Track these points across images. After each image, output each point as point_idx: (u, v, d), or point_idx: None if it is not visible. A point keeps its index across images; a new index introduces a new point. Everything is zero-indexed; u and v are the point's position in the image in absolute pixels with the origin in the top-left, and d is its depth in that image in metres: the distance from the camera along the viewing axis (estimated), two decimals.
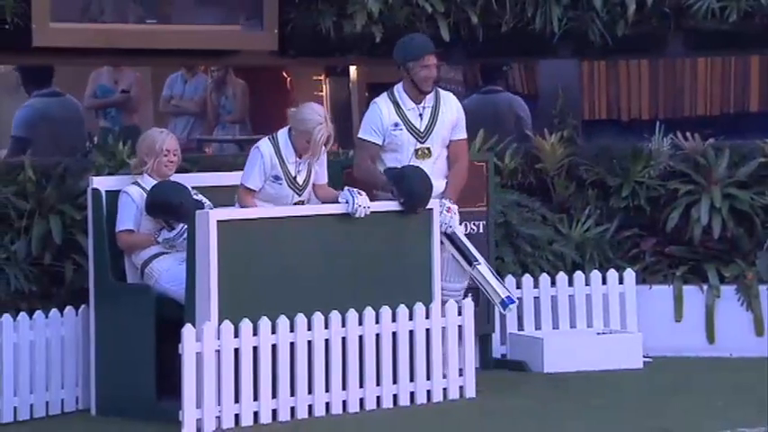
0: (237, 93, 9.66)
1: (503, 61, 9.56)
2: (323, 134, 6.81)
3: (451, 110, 7.28)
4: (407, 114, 7.19)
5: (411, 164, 7.15)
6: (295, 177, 6.90)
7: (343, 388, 6.83)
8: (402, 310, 6.99)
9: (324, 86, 10.32)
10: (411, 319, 7.01)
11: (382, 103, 7.20)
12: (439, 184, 7.23)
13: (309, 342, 6.75)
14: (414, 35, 7.48)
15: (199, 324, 6.51)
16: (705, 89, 10.07)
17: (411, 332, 7.01)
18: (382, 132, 7.15)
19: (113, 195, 6.94)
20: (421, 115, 7.20)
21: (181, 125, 9.59)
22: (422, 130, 7.19)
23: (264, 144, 6.88)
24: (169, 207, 6.73)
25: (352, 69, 10.04)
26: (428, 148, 7.20)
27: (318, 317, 6.77)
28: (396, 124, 7.16)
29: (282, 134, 6.92)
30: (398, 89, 7.23)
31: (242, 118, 9.44)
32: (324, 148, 6.90)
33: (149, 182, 6.93)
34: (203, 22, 8.37)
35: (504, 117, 9.22)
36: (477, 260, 7.19)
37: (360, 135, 7.21)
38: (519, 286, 8.05)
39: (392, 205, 7.07)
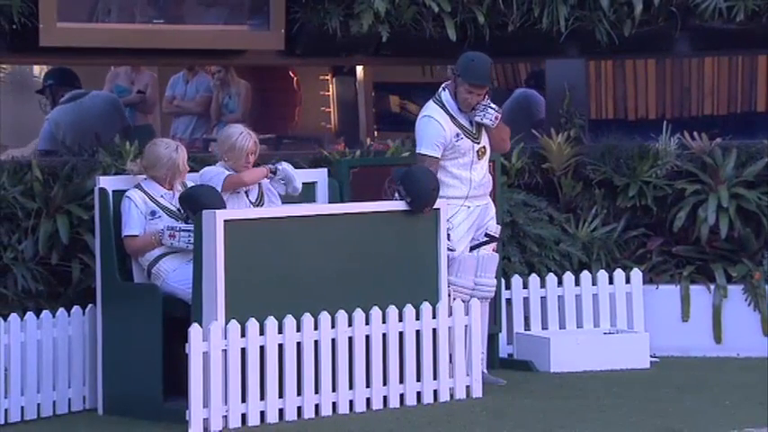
0: (240, 92, 9.66)
1: (510, 61, 9.57)
2: (247, 140, 6.97)
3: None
4: (461, 122, 7.23)
5: (419, 164, 7.18)
6: (246, 193, 7.03)
7: (350, 387, 6.84)
8: (409, 309, 6.99)
9: (330, 86, 10.31)
10: (418, 318, 7.01)
11: (438, 116, 7.17)
12: (488, 180, 7.30)
13: (316, 342, 6.75)
14: (478, 57, 7.23)
15: (206, 324, 6.51)
16: (712, 89, 10.05)
17: (418, 332, 7.01)
18: (444, 146, 7.16)
19: (120, 195, 6.94)
20: (471, 122, 7.25)
21: (183, 125, 9.59)
22: (475, 132, 7.25)
23: (214, 168, 7.04)
24: (198, 209, 6.68)
25: (359, 69, 10.04)
26: (483, 147, 7.29)
27: (325, 316, 6.77)
28: (457, 135, 7.19)
29: (221, 163, 7.07)
30: (447, 97, 7.22)
31: (244, 118, 9.44)
32: (251, 157, 7.00)
33: (152, 186, 6.93)
34: (210, 22, 8.38)
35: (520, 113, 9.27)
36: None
37: (422, 151, 7.15)
38: (526, 286, 8.06)
39: (399, 205, 7.07)
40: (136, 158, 7.21)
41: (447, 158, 7.19)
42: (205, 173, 7.04)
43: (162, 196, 6.94)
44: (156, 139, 7.20)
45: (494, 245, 7.39)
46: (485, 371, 7.35)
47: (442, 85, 7.32)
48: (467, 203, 7.23)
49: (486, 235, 7.33)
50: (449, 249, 7.16)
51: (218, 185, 6.88)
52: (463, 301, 7.17)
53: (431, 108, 7.24)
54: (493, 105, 7.22)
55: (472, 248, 7.29)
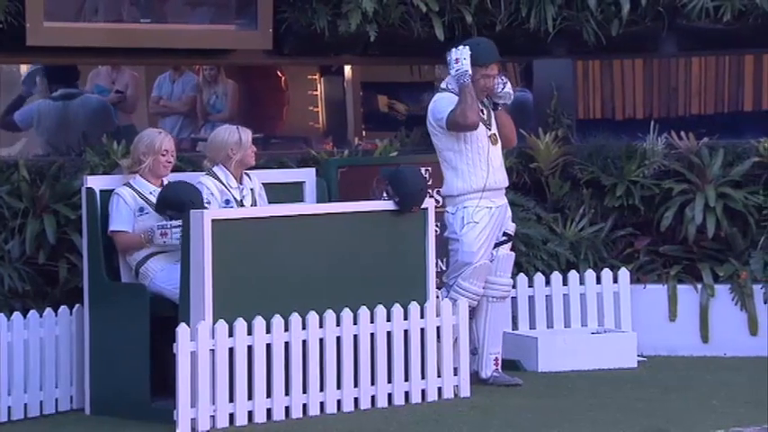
0: (228, 92, 9.65)
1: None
2: (247, 132, 7.03)
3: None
4: None
5: (407, 163, 7.22)
6: (241, 201, 7.03)
7: (338, 387, 6.84)
8: (397, 309, 6.99)
9: (318, 85, 10.30)
10: (406, 318, 7.01)
11: (450, 96, 7.25)
12: (503, 176, 7.35)
13: (304, 341, 6.75)
14: (480, 40, 7.53)
15: (193, 323, 6.50)
16: (699, 88, 10.07)
17: (406, 332, 7.01)
18: None
19: (108, 195, 6.93)
20: (482, 110, 7.32)
21: (169, 125, 9.56)
22: (487, 119, 7.34)
23: (206, 178, 7.04)
24: (180, 205, 6.71)
25: (347, 68, 10.04)
26: (495, 134, 7.37)
27: (313, 316, 6.77)
28: None
29: (217, 168, 7.08)
30: (452, 87, 7.29)
31: (230, 117, 9.44)
32: (253, 146, 7.05)
33: (141, 183, 6.93)
34: (197, 22, 8.37)
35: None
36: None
37: (446, 114, 7.18)
38: (514, 285, 8.05)
39: (388, 205, 7.08)
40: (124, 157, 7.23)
41: (462, 141, 7.23)
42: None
43: (151, 193, 6.94)
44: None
45: (510, 243, 7.45)
46: (499, 371, 7.36)
47: (443, 83, 7.38)
48: (486, 201, 7.24)
49: (505, 234, 7.39)
50: (454, 239, 7.21)
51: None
52: (471, 306, 7.22)
53: (441, 93, 7.33)
54: (504, 79, 7.34)
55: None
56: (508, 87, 7.32)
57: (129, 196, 6.89)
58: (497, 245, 7.38)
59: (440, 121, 7.26)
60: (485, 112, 7.34)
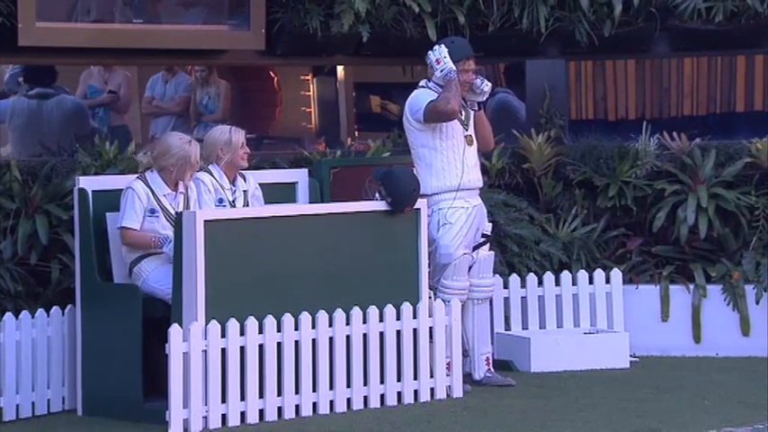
0: (220, 92, 9.65)
1: (489, 61, 9.57)
2: (240, 133, 7.06)
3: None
4: None
5: (399, 164, 7.24)
6: (233, 202, 7.03)
7: (331, 388, 6.84)
8: (389, 309, 6.99)
9: (311, 86, 10.30)
10: (398, 318, 7.02)
11: (428, 92, 7.28)
12: (477, 177, 7.38)
13: (296, 342, 6.75)
14: (454, 37, 7.61)
15: (186, 324, 6.50)
16: (691, 89, 10.08)
17: (398, 332, 7.02)
18: None
19: (99, 195, 6.92)
20: (461, 111, 7.35)
21: (162, 125, 9.56)
22: (464, 119, 7.36)
23: (202, 174, 7.04)
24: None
25: (339, 69, 10.04)
26: (471, 135, 7.40)
27: (305, 317, 6.77)
28: None
29: (212, 166, 7.08)
30: (431, 85, 7.32)
31: (223, 118, 9.44)
32: (245, 147, 7.07)
33: (158, 182, 6.87)
34: (190, 22, 8.37)
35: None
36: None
37: (424, 105, 7.21)
38: (506, 286, 8.07)
39: (380, 205, 7.08)
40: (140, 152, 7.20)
41: (438, 138, 7.24)
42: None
43: (165, 195, 6.90)
44: (171, 131, 7.18)
45: (488, 244, 7.46)
46: (492, 371, 7.38)
47: (421, 83, 7.38)
48: (461, 201, 7.25)
49: (483, 235, 7.40)
50: (432, 243, 7.23)
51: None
52: (461, 302, 7.22)
53: (419, 90, 7.35)
54: (481, 77, 7.39)
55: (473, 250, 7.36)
56: (486, 85, 7.34)
57: (144, 194, 6.84)
58: (476, 247, 7.37)
59: (416, 113, 7.28)
60: (463, 113, 7.35)
